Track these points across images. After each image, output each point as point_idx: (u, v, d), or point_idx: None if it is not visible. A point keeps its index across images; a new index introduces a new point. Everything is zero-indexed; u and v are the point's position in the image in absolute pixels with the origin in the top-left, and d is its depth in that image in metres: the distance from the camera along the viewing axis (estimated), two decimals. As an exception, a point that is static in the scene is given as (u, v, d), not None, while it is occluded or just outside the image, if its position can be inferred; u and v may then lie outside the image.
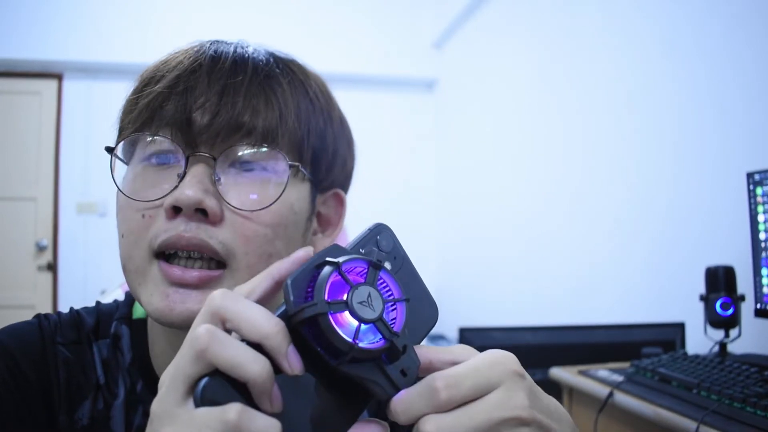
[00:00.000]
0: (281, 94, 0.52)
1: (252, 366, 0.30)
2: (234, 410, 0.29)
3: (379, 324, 0.33)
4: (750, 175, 1.10)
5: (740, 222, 1.24)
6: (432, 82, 4.02)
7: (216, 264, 0.49)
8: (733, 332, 1.17)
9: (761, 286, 1.07)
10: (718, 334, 1.19)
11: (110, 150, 0.53)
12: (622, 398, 1.04)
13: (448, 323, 3.68)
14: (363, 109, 3.78)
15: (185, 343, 0.31)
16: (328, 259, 0.33)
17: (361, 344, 0.32)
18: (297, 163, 0.52)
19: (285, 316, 0.32)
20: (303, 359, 0.32)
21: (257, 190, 0.50)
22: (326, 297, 0.32)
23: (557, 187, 2.45)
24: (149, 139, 0.51)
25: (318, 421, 0.33)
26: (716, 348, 1.17)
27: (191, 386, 0.31)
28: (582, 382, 1.16)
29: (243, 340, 0.31)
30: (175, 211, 0.48)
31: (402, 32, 3.95)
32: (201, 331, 0.30)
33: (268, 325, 0.31)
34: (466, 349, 0.36)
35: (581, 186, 2.27)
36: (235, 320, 0.31)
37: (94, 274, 3.49)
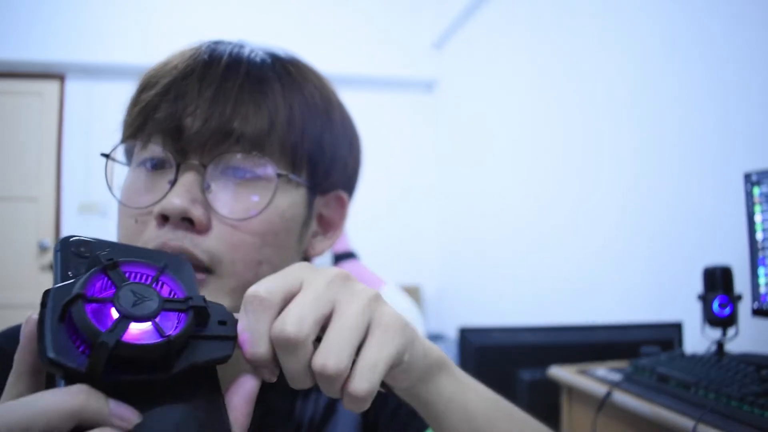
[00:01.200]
0: (273, 98, 0.51)
1: (64, 406, 0.26)
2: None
3: (168, 304, 0.30)
4: (747, 176, 1.10)
5: (737, 222, 1.24)
6: (432, 82, 4.02)
7: (203, 269, 0.48)
8: (731, 331, 1.18)
9: (758, 285, 1.08)
10: (716, 334, 1.19)
11: (106, 155, 0.53)
12: (620, 397, 1.05)
13: (448, 323, 3.69)
14: (363, 109, 3.77)
15: None
16: (66, 299, 0.28)
17: (174, 335, 0.29)
18: (285, 172, 0.51)
19: (73, 382, 0.28)
20: (128, 396, 0.28)
21: (245, 199, 0.50)
22: (101, 329, 0.28)
23: (557, 187, 2.46)
24: (141, 145, 0.51)
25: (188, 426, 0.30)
26: (714, 347, 1.18)
27: None
28: (581, 381, 1.17)
29: None
30: (164, 219, 0.48)
31: (402, 32, 3.95)
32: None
33: (72, 400, 0.27)
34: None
35: (580, 186, 2.27)
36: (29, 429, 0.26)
37: (95, 274, 3.49)
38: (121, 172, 0.54)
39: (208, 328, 0.32)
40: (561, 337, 1.41)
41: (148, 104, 0.50)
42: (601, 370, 1.20)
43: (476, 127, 3.36)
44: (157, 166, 0.50)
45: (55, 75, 3.66)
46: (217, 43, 0.55)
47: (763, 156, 1.39)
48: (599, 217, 2.15)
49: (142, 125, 0.50)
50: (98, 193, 3.59)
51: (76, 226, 3.62)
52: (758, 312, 1.09)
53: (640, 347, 1.23)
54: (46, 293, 0.29)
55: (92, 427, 0.27)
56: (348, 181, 0.60)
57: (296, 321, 0.33)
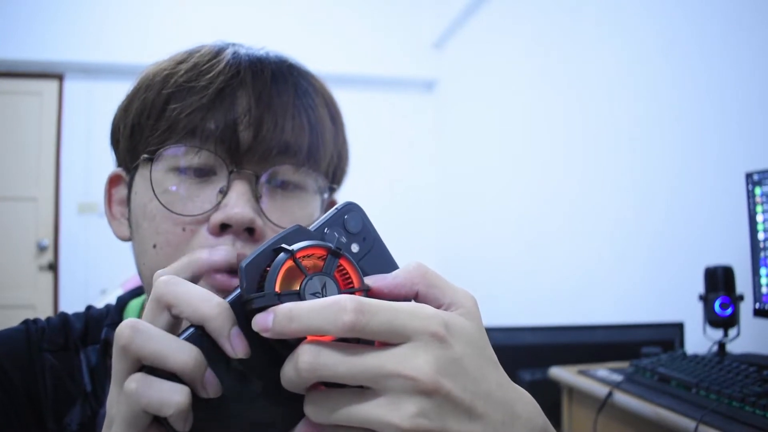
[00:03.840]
0: (318, 113, 0.53)
1: (176, 356, 0.30)
2: (134, 379, 0.29)
3: None
4: (749, 176, 1.10)
5: (739, 222, 1.24)
6: (432, 82, 4.02)
7: None
8: (732, 332, 1.18)
9: (760, 285, 1.08)
10: (717, 334, 1.19)
11: (150, 158, 0.51)
12: (621, 398, 1.05)
13: (448, 323, 3.68)
14: (363, 109, 3.79)
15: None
16: (283, 245, 0.32)
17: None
18: (335, 186, 0.55)
19: (240, 302, 0.32)
20: (257, 347, 0.31)
21: (296, 209, 0.51)
22: (277, 287, 0.31)
23: (557, 187, 2.45)
24: (191, 152, 0.50)
25: (267, 397, 0.32)
26: (715, 347, 1.18)
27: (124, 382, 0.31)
28: (581, 381, 1.17)
29: (191, 326, 0.31)
30: (222, 228, 0.47)
31: (402, 32, 3.95)
32: (122, 327, 0.30)
33: (208, 307, 0.31)
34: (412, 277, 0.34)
35: (581, 186, 2.27)
36: (178, 305, 0.31)
37: (94, 274, 3.49)
38: (143, 178, 0.52)
39: None
40: (561, 337, 1.40)
41: (197, 110, 0.49)
42: (602, 370, 1.20)
43: (476, 126, 3.36)
44: (203, 173, 0.50)
45: (55, 75, 3.65)
46: (239, 45, 0.55)
47: (765, 156, 1.38)
48: (600, 216, 2.14)
49: (192, 132, 0.49)
50: (97, 194, 3.59)
51: (75, 226, 3.62)
52: (760, 312, 1.08)
53: (641, 348, 1.23)
54: (295, 226, 0.33)
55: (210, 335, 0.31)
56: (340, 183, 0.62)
57: (346, 373, 0.30)
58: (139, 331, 0.30)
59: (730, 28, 1.53)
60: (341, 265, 0.33)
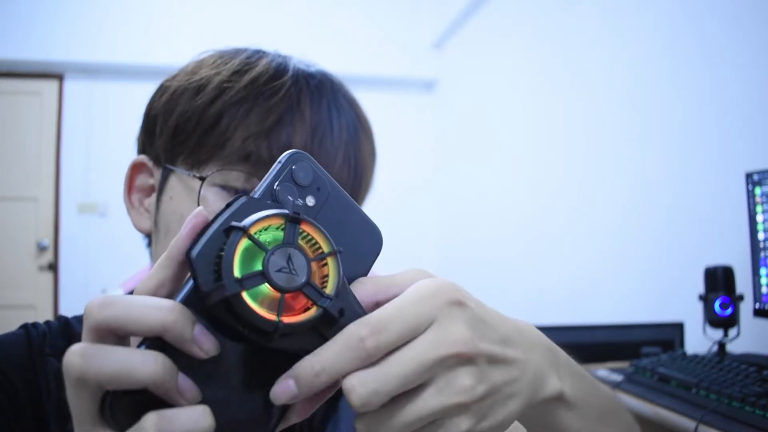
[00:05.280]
0: (363, 153, 0.54)
1: (140, 371, 0.26)
2: (150, 422, 0.26)
3: (307, 290, 0.28)
4: (749, 176, 1.10)
5: (739, 222, 1.24)
6: (432, 82, 4.02)
7: None
8: (732, 332, 1.18)
9: (760, 285, 1.08)
10: (717, 334, 1.19)
11: (201, 178, 0.51)
12: (621, 398, 1.05)
13: (448, 323, 3.68)
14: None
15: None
16: (233, 224, 0.28)
17: (287, 320, 0.28)
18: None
19: (196, 296, 0.28)
20: (225, 333, 0.28)
21: None
22: (236, 272, 0.27)
23: (557, 188, 2.45)
24: (241, 176, 0.50)
25: (250, 390, 0.30)
26: (715, 348, 1.18)
27: (96, 417, 0.27)
28: (581, 381, 1.16)
29: (144, 339, 0.28)
30: None
31: (402, 32, 3.95)
32: (70, 356, 0.27)
33: (160, 316, 0.27)
34: (410, 279, 0.32)
35: (581, 186, 2.27)
36: (122, 325, 0.27)
37: (94, 274, 3.49)
38: (175, 185, 0.53)
39: (330, 331, 0.30)
40: (561, 337, 1.39)
41: (253, 138, 0.49)
42: (602, 370, 1.20)
43: (476, 127, 3.36)
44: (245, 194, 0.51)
45: (55, 75, 3.65)
46: (289, 59, 0.55)
47: (765, 156, 1.38)
48: (600, 216, 2.14)
49: (246, 158, 0.49)
50: (97, 194, 3.59)
51: (75, 226, 3.62)
52: (760, 312, 1.08)
53: (640, 348, 1.23)
54: (240, 197, 0.30)
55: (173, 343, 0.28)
56: None
57: (376, 394, 0.28)
58: (91, 356, 0.26)
59: (730, 27, 1.53)
60: (304, 230, 0.29)
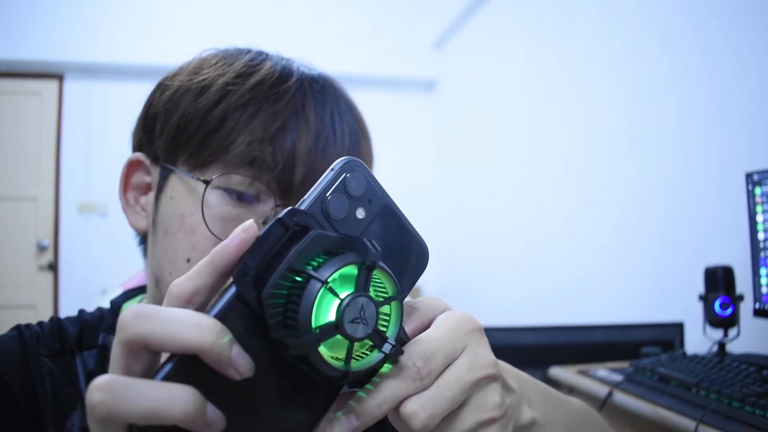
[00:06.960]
0: (363, 158, 0.54)
1: (170, 409, 0.25)
2: None
3: (374, 338, 0.28)
4: (749, 176, 1.10)
5: (739, 222, 1.24)
6: (432, 82, 4.02)
7: None
8: (732, 332, 1.18)
9: (760, 285, 1.08)
10: (717, 334, 1.19)
11: (206, 181, 0.50)
12: (621, 398, 1.04)
13: (448, 323, 3.68)
14: (362, 109, 3.78)
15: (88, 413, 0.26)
16: (310, 272, 0.27)
17: (354, 367, 0.28)
18: None
19: (236, 311, 0.27)
20: (258, 354, 0.28)
21: None
22: (312, 323, 0.27)
23: (557, 187, 2.45)
24: (245, 181, 0.50)
25: (282, 412, 0.29)
26: (715, 348, 1.18)
27: None
28: (581, 381, 1.17)
29: (172, 355, 0.27)
30: None
31: (402, 32, 3.95)
32: (94, 391, 0.25)
33: (200, 336, 0.26)
34: (431, 307, 0.34)
35: (581, 186, 2.27)
36: (158, 342, 0.26)
37: (94, 274, 3.49)
38: (175, 185, 0.52)
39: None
40: (561, 337, 1.40)
41: (256, 143, 0.49)
42: (602, 370, 1.20)
43: (476, 127, 3.36)
44: (249, 198, 0.50)
45: (55, 75, 3.65)
46: (293, 62, 0.55)
47: (765, 156, 1.38)
48: (600, 216, 2.14)
49: (249, 163, 0.49)
50: (97, 193, 3.59)
51: (75, 226, 3.62)
52: (760, 312, 1.08)
53: (641, 348, 1.23)
54: (305, 225, 0.28)
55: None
56: None
57: (430, 418, 0.30)
58: (117, 393, 0.25)
59: (730, 28, 1.53)
60: (375, 274, 0.29)
